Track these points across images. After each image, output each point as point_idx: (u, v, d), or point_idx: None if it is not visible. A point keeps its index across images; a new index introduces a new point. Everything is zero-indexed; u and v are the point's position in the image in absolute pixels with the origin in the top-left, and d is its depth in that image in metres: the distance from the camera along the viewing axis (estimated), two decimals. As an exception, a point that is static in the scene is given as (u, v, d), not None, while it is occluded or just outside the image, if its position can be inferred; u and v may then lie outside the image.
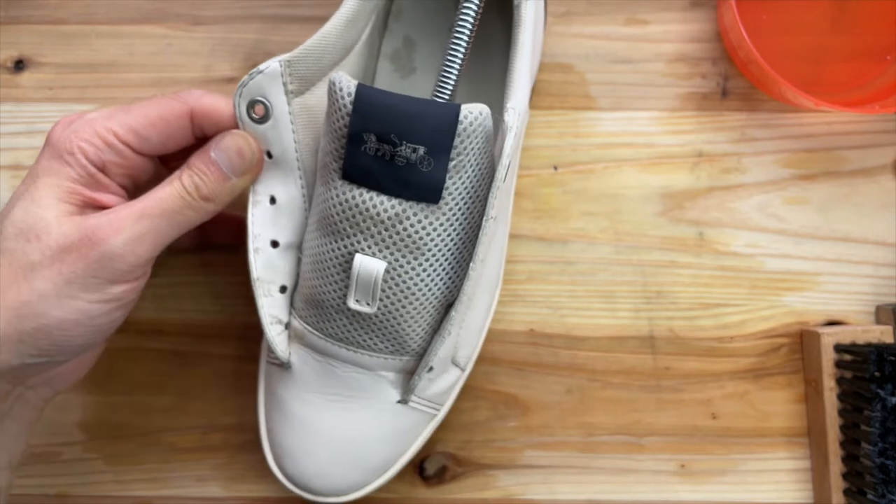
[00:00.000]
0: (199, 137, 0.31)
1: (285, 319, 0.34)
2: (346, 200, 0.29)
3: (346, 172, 0.29)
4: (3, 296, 0.27)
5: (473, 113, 0.28)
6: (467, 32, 0.31)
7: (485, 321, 0.37)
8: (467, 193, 0.30)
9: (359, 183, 0.29)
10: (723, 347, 0.40)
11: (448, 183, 0.29)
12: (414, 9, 0.39)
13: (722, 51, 0.41)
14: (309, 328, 0.33)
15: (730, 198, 0.40)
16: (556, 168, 0.40)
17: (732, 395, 0.40)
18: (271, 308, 0.33)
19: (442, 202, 0.29)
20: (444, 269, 0.31)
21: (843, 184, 0.40)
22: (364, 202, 0.29)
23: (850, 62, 0.40)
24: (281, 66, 0.30)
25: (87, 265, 0.28)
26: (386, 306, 0.31)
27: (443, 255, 0.30)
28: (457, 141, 0.28)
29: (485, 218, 0.29)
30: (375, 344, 0.32)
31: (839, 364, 0.38)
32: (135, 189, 0.31)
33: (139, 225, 0.29)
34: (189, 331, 0.40)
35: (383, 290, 0.30)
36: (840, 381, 0.38)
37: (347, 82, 0.28)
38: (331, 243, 0.30)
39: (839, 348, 0.38)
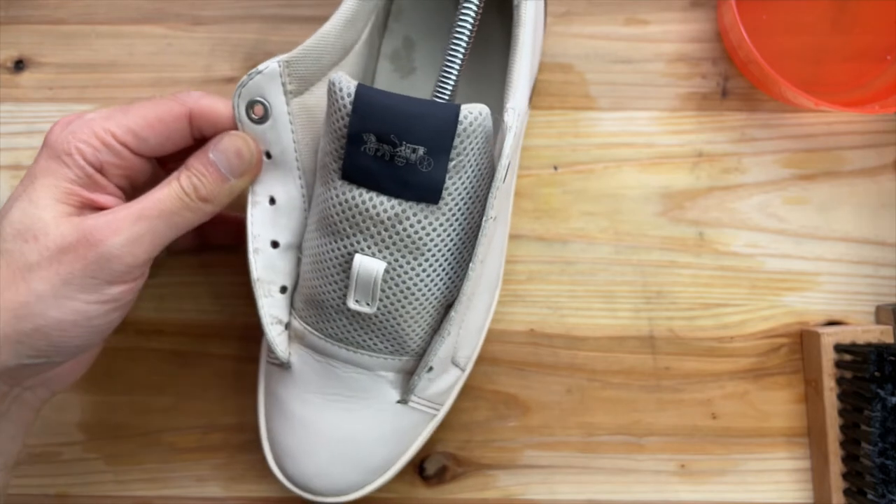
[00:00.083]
0: (198, 139, 0.31)
1: (285, 320, 0.34)
2: (346, 201, 0.29)
3: (346, 173, 0.29)
4: (2, 297, 0.27)
5: (473, 113, 0.28)
6: (467, 32, 0.31)
7: (485, 321, 0.37)
8: (467, 194, 0.30)
9: (358, 183, 0.29)
10: (723, 347, 0.40)
11: (448, 183, 0.29)
12: (414, 9, 0.39)
13: (722, 51, 0.41)
14: (309, 328, 0.33)
15: (730, 198, 0.40)
16: (556, 168, 0.40)
17: (732, 395, 0.40)
18: (272, 308, 0.33)
19: (441, 202, 0.29)
20: (443, 270, 0.31)
21: (843, 184, 0.40)
22: (364, 202, 0.29)
23: (850, 62, 0.40)
24: (280, 66, 0.30)
25: (85, 266, 0.28)
26: (385, 306, 0.31)
27: (442, 256, 0.30)
28: (456, 141, 0.28)
29: (484, 218, 0.29)
30: (375, 344, 0.32)
31: (839, 364, 0.38)
32: (132, 190, 0.31)
33: (137, 226, 0.28)
34: (189, 331, 0.40)
35: (383, 291, 0.30)
36: (840, 381, 0.37)
37: (347, 83, 0.28)
38: (330, 243, 0.30)
39: (839, 348, 0.38)
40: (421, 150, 0.28)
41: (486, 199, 0.30)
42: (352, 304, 0.31)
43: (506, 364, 0.40)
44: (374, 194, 0.29)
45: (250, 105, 0.30)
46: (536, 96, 0.40)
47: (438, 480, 0.39)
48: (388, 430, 0.34)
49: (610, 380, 0.40)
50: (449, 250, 0.30)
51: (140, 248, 0.29)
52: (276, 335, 0.33)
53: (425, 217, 0.29)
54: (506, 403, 0.40)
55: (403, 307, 0.31)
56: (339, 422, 0.33)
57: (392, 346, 0.32)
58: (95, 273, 0.28)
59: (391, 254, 0.30)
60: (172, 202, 0.29)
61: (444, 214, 0.29)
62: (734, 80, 0.41)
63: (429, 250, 0.30)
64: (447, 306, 0.32)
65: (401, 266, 0.30)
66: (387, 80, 0.39)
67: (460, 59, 0.31)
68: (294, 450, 0.34)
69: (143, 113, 0.30)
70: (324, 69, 0.32)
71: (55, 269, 0.28)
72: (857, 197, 0.40)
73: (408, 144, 0.28)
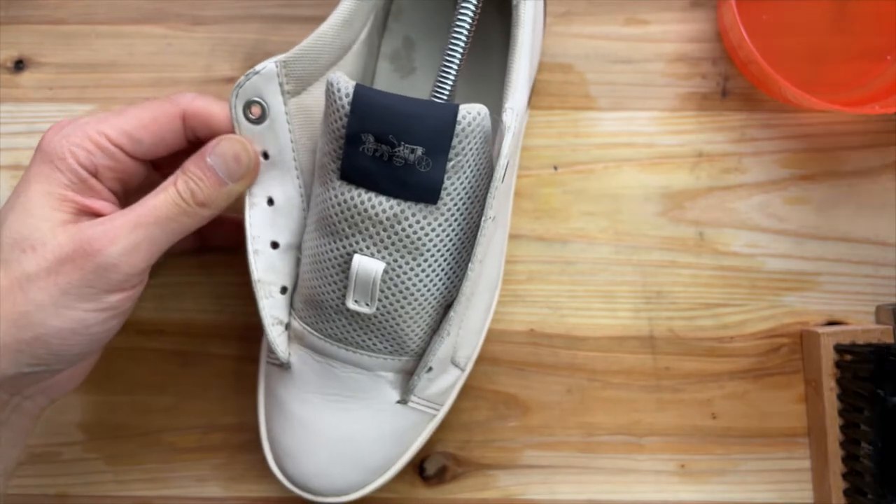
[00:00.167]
0: (192, 141, 0.31)
1: (286, 320, 0.34)
2: (345, 201, 0.29)
3: (345, 173, 0.29)
4: (1, 306, 0.28)
5: (472, 113, 0.28)
6: (465, 32, 0.31)
7: (484, 321, 0.37)
8: (466, 194, 0.30)
9: (357, 183, 0.29)
10: (723, 347, 0.40)
11: (446, 183, 0.29)
12: (413, 9, 0.39)
13: (722, 51, 0.41)
14: (308, 329, 0.33)
15: (730, 198, 0.40)
16: (556, 168, 0.40)
17: (732, 395, 0.40)
18: (272, 309, 0.33)
19: (440, 202, 0.29)
20: (442, 270, 0.31)
21: (843, 184, 0.40)
22: (362, 203, 0.29)
23: (850, 62, 0.40)
24: (277, 66, 0.30)
25: (83, 276, 0.28)
26: (385, 307, 0.31)
27: (441, 256, 0.30)
28: (455, 141, 0.28)
29: (483, 218, 0.29)
30: (374, 344, 0.32)
31: (839, 364, 0.38)
32: (126, 195, 0.31)
33: (134, 234, 0.28)
34: (189, 331, 0.40)
35: (382, 291, 0.30)
36: (840, 381, 0.37)
37: (345, 83, 0.28)
38: (329, 244, 0.30)
39: (839, 348, 0.37)
40: (419, 151, 0.28)
41: (484, 199, 0.30)
42: (351, 305, 0.31)
43: (506, 364, 0.40)
44: (372, 194, 0.29)
45: (247, 105, 0.30)
46: (536, 96, 0.40)
47: (438, 480, 0.39)
48: (387, 430, 0.34)
49: (610, 380, 0.40)
50: (448, 250, 0.30)
51: (138, 256, 0.29)
52: (277, 336, 0.33)
53: (424, 217, 0.29)
54: (506, 403, 0.40)
55: (403, 307, 0.31)
56: (338, 422, 0.33)
57: (391, 346, 0.32)
58: (93, 282, 0.28)
59: (390, 254, 0.30)
60: (169, 208, 0.29)
61: (442, 215, 0.29)
62: (734, 80, 0.41)
63: (428, 250, 0.30)
64: (446, 306, 0.32)
65: (400, 266, 0.30)
66: (387, 80, 0.39)
67: (458, 58, 0.31)
68: (294, 450, 0.34)
69: (136, 114, 0.30)
70: (321, 69, 0.32)
71: (53, 279, 0.28)
72: (857, 197, 0.40)
73: (406, 144, 0.28)
